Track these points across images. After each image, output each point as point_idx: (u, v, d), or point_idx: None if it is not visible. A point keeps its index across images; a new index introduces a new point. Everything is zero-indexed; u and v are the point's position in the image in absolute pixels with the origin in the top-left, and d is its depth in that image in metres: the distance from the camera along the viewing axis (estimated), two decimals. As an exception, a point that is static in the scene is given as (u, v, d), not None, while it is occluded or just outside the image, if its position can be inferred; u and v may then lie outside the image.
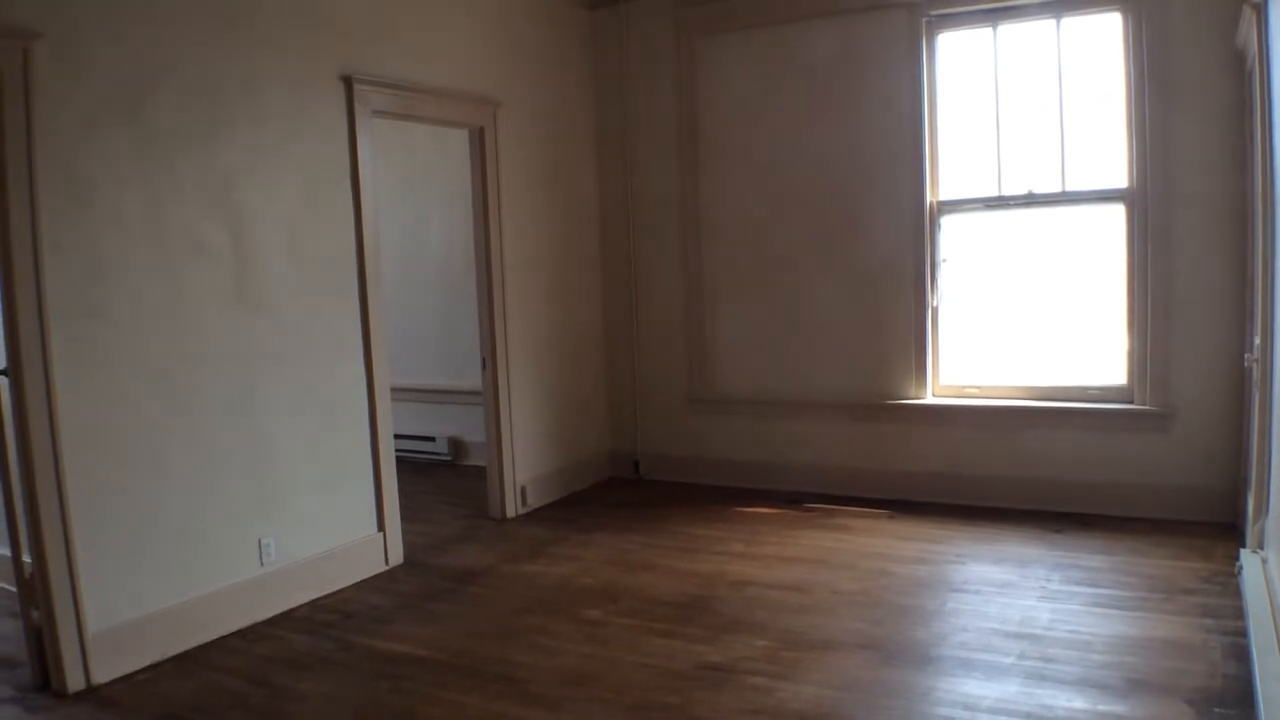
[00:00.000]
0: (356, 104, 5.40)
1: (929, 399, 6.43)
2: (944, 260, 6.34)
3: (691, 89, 7.01)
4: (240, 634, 4.75)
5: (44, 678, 4.19)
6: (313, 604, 5.12)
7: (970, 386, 6.34)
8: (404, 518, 5.87)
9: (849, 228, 6.54)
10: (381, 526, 5.66)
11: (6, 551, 4.33)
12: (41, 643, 4.17)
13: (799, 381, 6.85)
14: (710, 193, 7.05)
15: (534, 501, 6.80)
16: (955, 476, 6.28)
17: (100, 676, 4.22)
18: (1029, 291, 6.15)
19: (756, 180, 6.87)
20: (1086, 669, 3.86)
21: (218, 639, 4.68)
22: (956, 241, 6.34)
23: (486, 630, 4.68)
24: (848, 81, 6.44)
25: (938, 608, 4.61)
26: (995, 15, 6.04)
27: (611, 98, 7.38)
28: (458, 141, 6.51)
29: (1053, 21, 5.89)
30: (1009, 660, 3.98)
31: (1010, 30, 6.05)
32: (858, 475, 6.61)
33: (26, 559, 4.18)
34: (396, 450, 5.85)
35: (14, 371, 4.01)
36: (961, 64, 6.26)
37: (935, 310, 6.38)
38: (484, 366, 6.51)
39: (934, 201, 6.30)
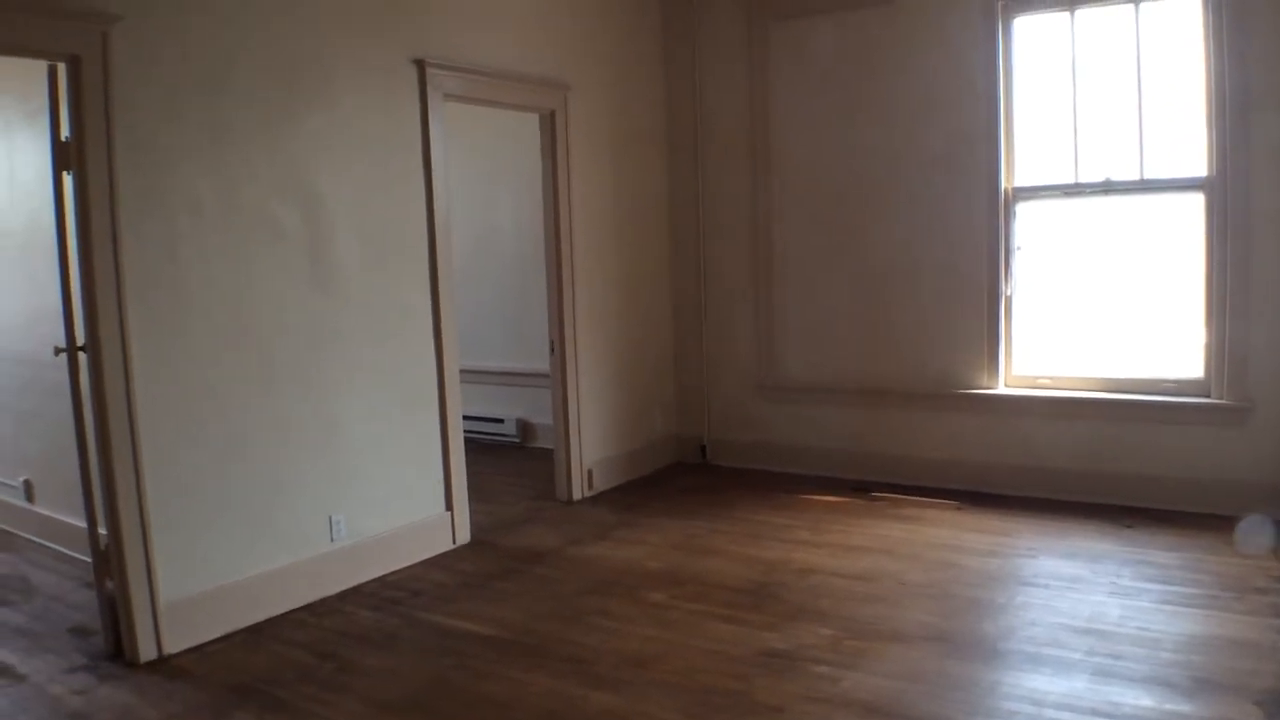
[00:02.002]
0: (429, 87, 5.43)
1: (1001, 389, 6.32)
2: (1019, 248, 6.22)
3: (763, 73, 6.95)
4: (309, 608, 4.84)
5: (117, 647, 4.30)
6: (381, 580, 5.20)
7: (1043, 377, 6.22)
8: (472, 498, 5.92)
9: (922, 214, 6.44)
10: (449, 506, 5.71)
11: (83, 524, 4.43)
12: (115, 613, 4.28)
13: (868, 369, 6.77)
14: (781, 179, 6.99)
15: (600, 485, 6.82)
16: (1026, 469, 6.17)
17: (171, 647, 4.32)
18: (1104, 281, 6.01)
19: (828, 167, 6.79)
20: (1155, 667, 3.77)
21: (287, 612, 4.77)
22: (1032, 229, 6.21)
23: (550, 610, 4.71)
24: (922, 66, 6.34)
25: (1006, 601, 4.54)
26: (1074, -1, 5.91)
27: (682, 82, 7.35)
28: (530, 125, 6.53)
29: (1131, 5, 5.73)
30: (1077, 656, 3.90)
31: (1088, 14, 5.89)
32: (927, 465, 6.53)
33: (102, 530, 4.29)
34: (465, 431, 5.90)
35: (92, 348, 4.10)
36: (1038, 49, 6.12)
37: (1009, 299, 6.27)
38: (552, 350, 6.53)
39: (1009, 188, 6.18)
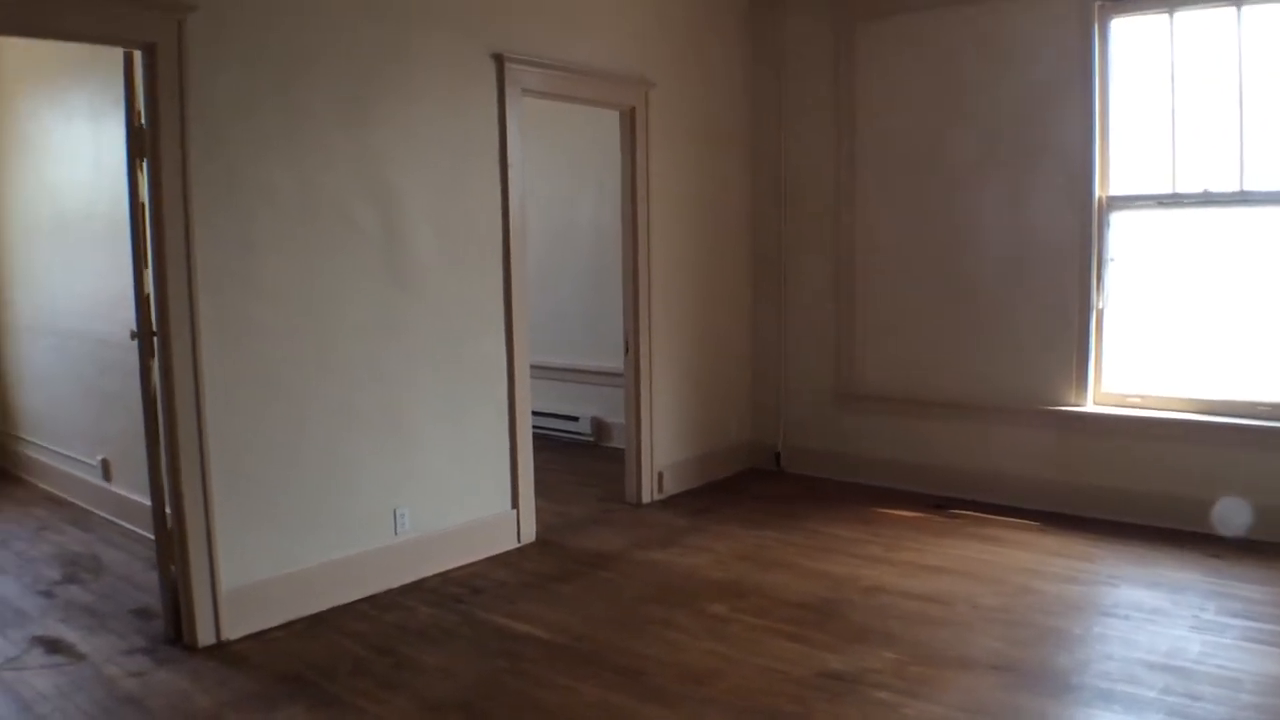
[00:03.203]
0: (507, 82, 5.39)
1: (1089, 407, 6.07)
2: (1112, 259, 5.97)
3: (849, 74, 6.78)
4: (371, 600, 4.83)
5: (177, 631, 4.33)
6: (443, 576, 5.17)
7: (1133, 396, 5.96)
8: (540, 496, 5.87)
9: (1011, 223, 6.22)
10: (515, 504, 5.67)
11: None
12: (176, 596, 4.31)
13: (951, 381, 6.57)
14: (865, 182, 6.82)
15: (670, 488, 6.72)
16: (1112, 490, 5.92)
17: (231, 633, 4.34)
18: (1200, 297, 5.72)
19: (913, 171, 6.60)
20: (1233, 709, 3.55)
21: (348, 604, 4.77)
22: (1126, 240, 5.94)
23: (610, 617, 4.63)
24: (1014, 68, 6.11)
25: (1083, 631, 4.34)
26: (1173, 1, 5.63)
27: (766, 81, 7.21)
28: (610, 121, 6.46)
29: (1233, 8, 5.44)
30: (1152, 694, 3.69)
31: (1188, 16, 5.60)
32: (1009, 483, 6.30)
33: (168, 510, 4.32)
34: (539, 428, 5.87)
35: (162, 334, 4.13)
36: (1135, 52, 5.84)
37: (1100, 313, 6.02)
38: (626, 349, 6.45)
39: (1103, 196, 5.93)
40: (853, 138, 6.82)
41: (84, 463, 6.48)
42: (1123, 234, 5.95)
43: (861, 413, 6.98)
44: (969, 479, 6.46)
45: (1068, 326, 6.07)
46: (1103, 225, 5.95)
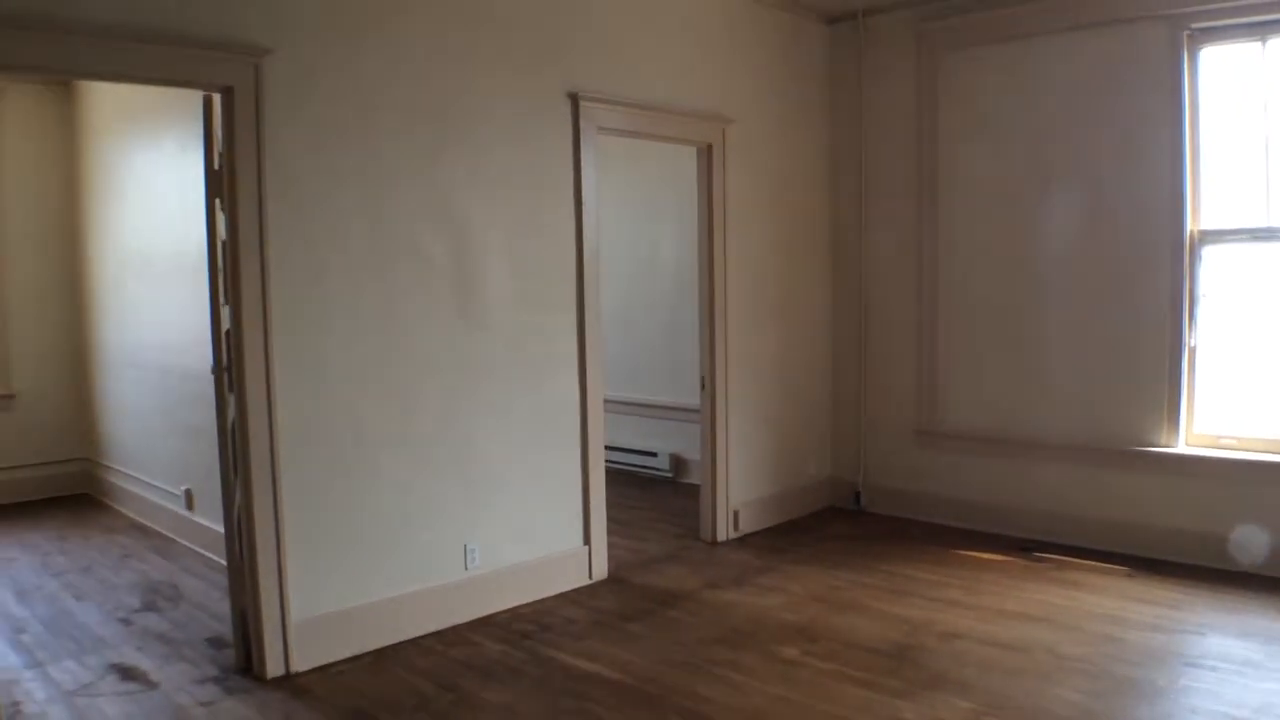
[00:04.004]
0: (582, 121, 5.42)
1: (1180, 448, 5.84)
2: (1204, 295, 5.76)
3: (932, 107, 6.69)
4: (438, 635, 4.84)
5: (247, 661, 4.38)
6: (512, 612, 5.16)
7: (1227, 437, 5.72)
8: (614, 532, 5.85)
9: (1099, 256, 6.04)
10: (587, 540, 5.64)
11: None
12: (247, 627, 4.36)
13: (1037, 420, 6.38)
14: (948, 217, 6.69)
15: (746, 526, 6.64)
16: (1204, 535, 5.68)
17: (299, 665, 4.38)
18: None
19: (997, 205, 6.47)
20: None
21: (416, 638, 4.78)
22: (1218, 275, 5.74)
23: (679, 658, 4.56)
24: (1101, 99, 5.96)
25: (1168, 684, 4.14)
26: (1265, 29, 5.43)
27: (847, 115, 7.14)
28: (687, 158, 6.45)
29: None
30: (1241, 754, 3.52)
31: (1283, 45, 5.44)
32: (1096, 526, 6.09)
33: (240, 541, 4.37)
34: (618, 463, 5.84)
35: (237, 369, 4.21)
36: (1227, 81, 5.66)
37: (1193, 351, 5.80)
38: (703, 386, 6.41)
39: (1195, 230, 5.73)
40: (935, 170, 6.71)
41: (168, 492, 6.63)
42: (1215, 269, 5.74)
43: (944, 451, 6.83)
44: (1053, 521, 6.26)
45: (1159, 365, 5.86)
46: (1194, 260, 5.75)
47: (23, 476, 7.79)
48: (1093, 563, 5.82)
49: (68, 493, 7.95)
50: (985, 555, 6.06)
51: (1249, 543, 5.46)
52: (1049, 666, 4.35)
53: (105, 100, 7.32)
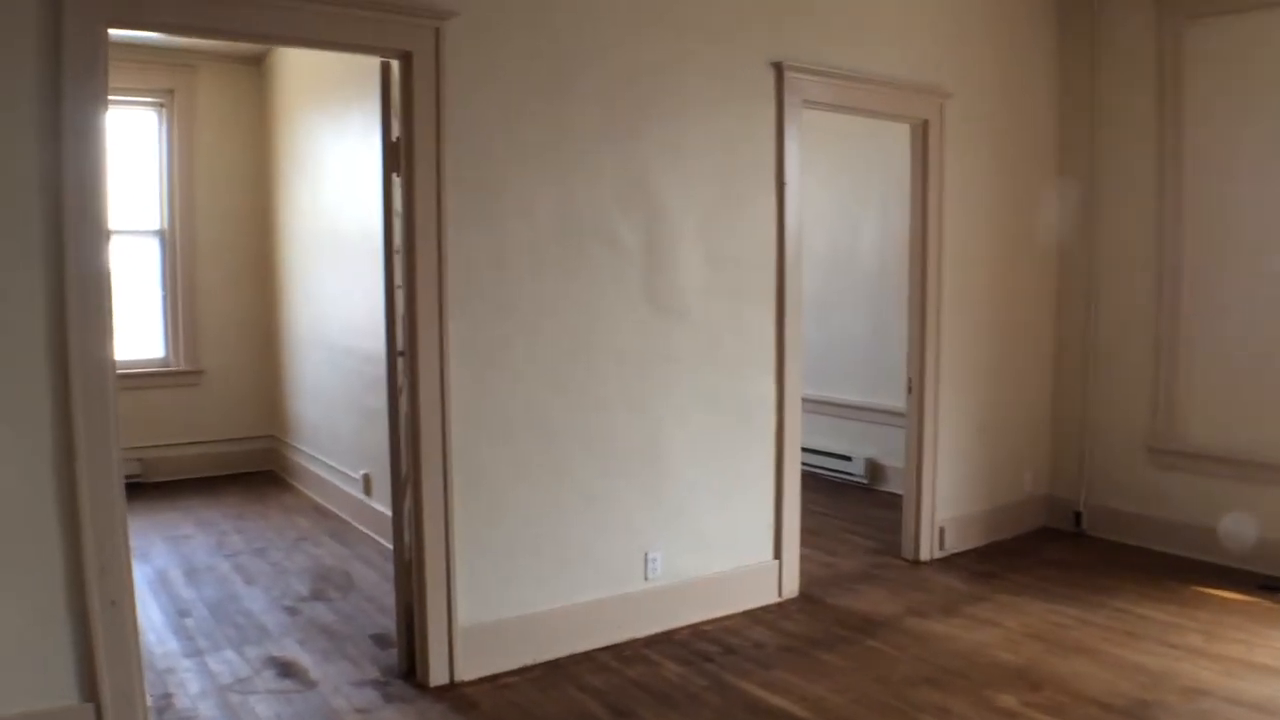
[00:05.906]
0: (786, 93, 4.95)
1: None
2: None
3: (1176, 80, 5.88)
4: (614, 649, 4.49)
5: (410, 664, 4.14)
6: (694, 629, 4.76)
7: None
8: (806, 543, 5.39)
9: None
10: (778, 554, 5.19)
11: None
12: (412, 628, 4.11)
13: (1295, 442, 5.57)
14: (1193, 199, 5.89)
15: (952, 545, 6.04)
16: None
17: (465, 674, 4.12)
18: None
19: (1252, 183, 5.64)
20: None
21: (590, 651, 4.45)
22: None
23: (878, 698, 4.05)
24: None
25: None
26: None
27: (1078, 89, 6.40)
28: (896, 137, 5.88)
29: None
30: None
31: None
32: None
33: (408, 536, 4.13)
34: (808, 467, 5.38)
35: (410, 354, 3.97)
36: None
37: None
38: (909, 389, 5.86)
39: None
40: (1180, 149, 5.91)
41: (348, 475, 6.53)
42: None
43: (1179, 470, 6.04)
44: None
45: None
46: None
47: (210, 452, 7.90)
48: (1361, 613, 5.01)
49: (253, 469, 8.01)
50: (1226, 594, 5.30)
51: None
52: (1322, 741, 3.67)
53: (295, 77, 7.28)
